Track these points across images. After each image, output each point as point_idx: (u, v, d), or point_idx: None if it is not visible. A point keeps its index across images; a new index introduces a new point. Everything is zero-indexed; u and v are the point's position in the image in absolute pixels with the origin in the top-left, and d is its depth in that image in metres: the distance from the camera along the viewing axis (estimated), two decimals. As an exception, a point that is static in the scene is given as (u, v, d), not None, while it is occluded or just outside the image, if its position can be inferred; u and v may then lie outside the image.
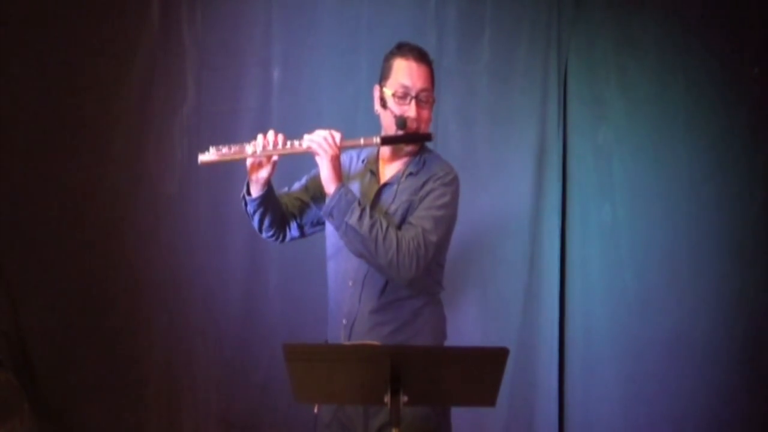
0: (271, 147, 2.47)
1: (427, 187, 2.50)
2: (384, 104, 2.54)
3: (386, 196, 2.55)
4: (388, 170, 2.60)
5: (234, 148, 2.49)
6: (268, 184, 2.54)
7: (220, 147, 2.49)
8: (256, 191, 2.54)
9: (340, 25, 3.54)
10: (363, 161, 2.65)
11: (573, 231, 3.54)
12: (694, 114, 3.51)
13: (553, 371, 3.54)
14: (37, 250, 3.50)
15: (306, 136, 2.47)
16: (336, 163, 2.44)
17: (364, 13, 3.54)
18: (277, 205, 2.62)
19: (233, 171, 3.57)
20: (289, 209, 2.67)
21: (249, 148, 2.48)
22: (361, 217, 2.40)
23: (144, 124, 3.56)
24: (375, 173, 2.60)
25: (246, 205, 2.58)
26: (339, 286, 2.59)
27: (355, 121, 3.53)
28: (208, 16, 3.55)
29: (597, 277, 3.53)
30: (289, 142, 2.48)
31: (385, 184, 2.57)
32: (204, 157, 2.49)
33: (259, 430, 3.60)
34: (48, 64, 3.47)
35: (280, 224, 2.66)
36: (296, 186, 2.73)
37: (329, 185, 2.44)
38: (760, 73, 3.47)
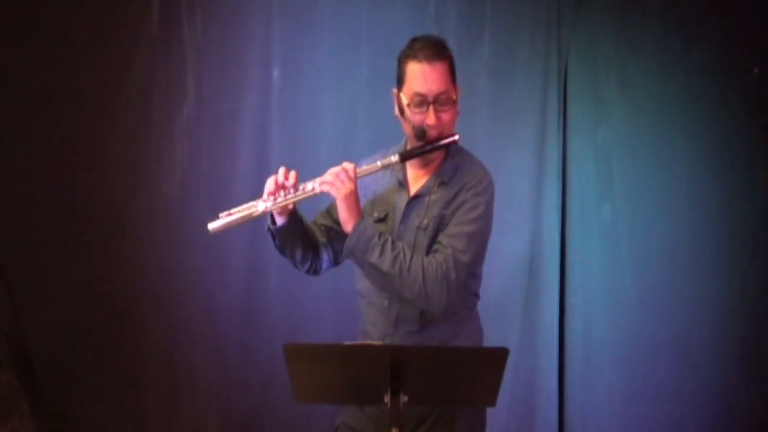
0: (282, 198, 2.37)
1: (459, 199, 2.39)
2: (402, 112, 2.41)
3: (417, 209, 2.43)
4: (418, 178, 2.48)
5: (244, 207, 2.38)
6: (294, 211, 2.43)
7: (229, 211, 2.39)
8: (281, 219, 2.43)
9: (340, 25, 3.54)
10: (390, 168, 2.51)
11: (573, 231, 3.54)
12: (694, 114, 3.50)
13: (553, 371, 3.54)
14: (37, 250, 3.50)
15: (318, 179, 2.37)
16: (351, 200, 2.34)
17: (364, 13, 3.53)
18: (306, 233, 2.51)
19: (233, 171, 3.58)
20: (318, 238, 2.56)
21: (260, 205, 2.37)
22: (382, 253, 2.30)
23: (144, 124, 3.55)
24: (403, 183, 2.48)
25: (274, 238, 2.48)
26: (373, 305, 2.48)
27: (355, 121, 3.54)
28: (208, 16, 3.55)
29: (597, 277, 3.52)
30: (301, 186, 2.38)
31: (416, 196, 2.45)
32: (213, 225, 2.39)
33: (259, 430, 3.60)
34: (48, 64, 3.48)
35: (314, 255, 2.55)
36: (320, 213, 2.60)
37: (347, 224, 2.34)
38: (760, 73, 3.47)
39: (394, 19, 3.50)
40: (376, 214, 2.49)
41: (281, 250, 2.52)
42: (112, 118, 3.54)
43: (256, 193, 3.50)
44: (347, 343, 2.48)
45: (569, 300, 3.53)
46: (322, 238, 2.56)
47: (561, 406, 3.55)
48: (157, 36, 3.53)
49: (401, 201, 2.47)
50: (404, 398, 2.11)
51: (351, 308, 2.71)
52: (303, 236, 2.50)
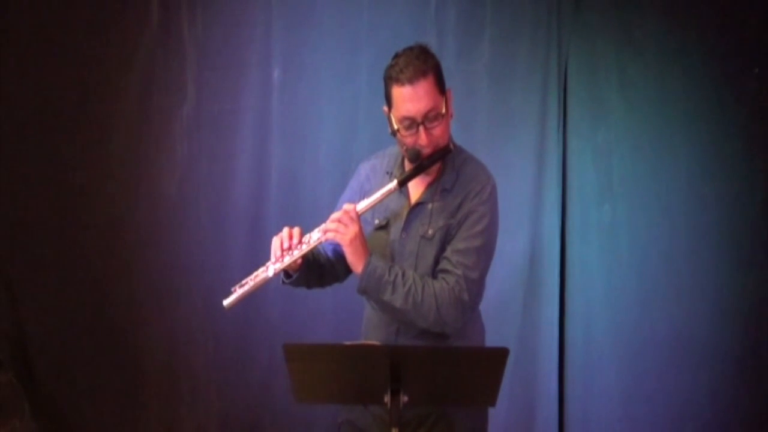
0: (289, 257, 2.37)
1: (465, 209, 2.38)
2: (394, 132, 2.40)
3: (420, 217, 2.42)
4: (418, 185, 2.46)
5: (255, 276, 2.39)
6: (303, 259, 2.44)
7: (241, 283, 2.40)
8: (294, 272, 2.45)
9: (340, 25, 3.54)
10: (388, 173, 2.50)
11: (573, 231, 3.54)
12: (694, 114, 3.50)
13: (553, 371, 3.53)
14: (37, 250, 3.50)
15: (322, 226, 2.37)
16: (357, 243, 2.33)
17: (364, 13, 3.53)
18: (319, 264, 2.55)
19: (233, 171, 3.58)
20: (329, 257, 2.58)
21: (271, 269, 2.37)
22: (394, 291, 2.32)
23: (144, 124, 3.56)
24: (404, 190, 2.47)
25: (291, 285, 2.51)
26: (376, 308, 2.49)
27: (355, 121, 3.54)
28: (208, 16, 3.55)
29: (597, 277, 3.52)
30: (306, 237, 2.38)
31: (417, 204, 2.44)
32: (228, 301, 2.40)
33: (259, 430, 3.60)
34: (48, 64, 3.48)
35: (331, 276, 2.60)
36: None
37: (355, 267, 2.35)
38: (760, 73, 3.47)
39: (394, 20, 3.50)
40: (377, 221, 2.49)
41: (300, 288, 2.57)
42: (112, 118, 3.54)
43: (256, 193, 3.56)
44: (347, 343, 2.49)
45: (569, 300, 3.53)
46: (334, 257, 2.59)
47: (561, 406, 3.55)
48: (157, 36, 3.53)
49: (402, 208, 2.47)
50: (404, 398, 2.11)
51: (351, 308, 2.71)
52: (317, 270, 2.55)
